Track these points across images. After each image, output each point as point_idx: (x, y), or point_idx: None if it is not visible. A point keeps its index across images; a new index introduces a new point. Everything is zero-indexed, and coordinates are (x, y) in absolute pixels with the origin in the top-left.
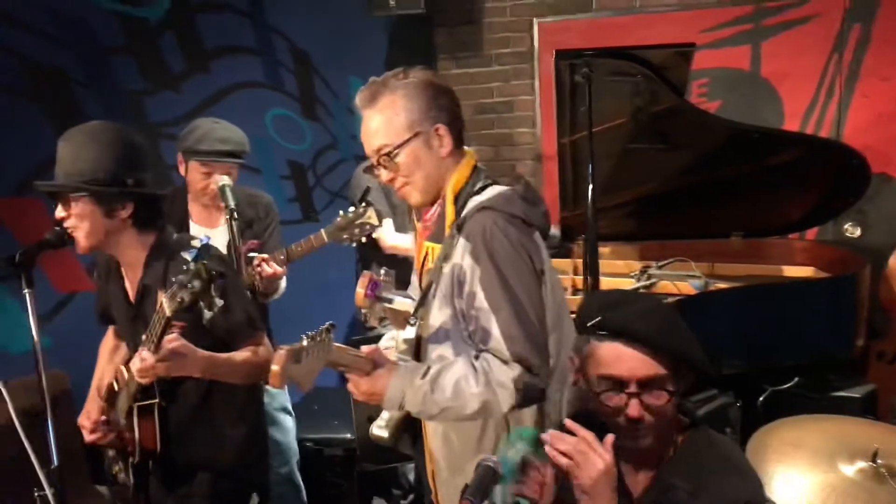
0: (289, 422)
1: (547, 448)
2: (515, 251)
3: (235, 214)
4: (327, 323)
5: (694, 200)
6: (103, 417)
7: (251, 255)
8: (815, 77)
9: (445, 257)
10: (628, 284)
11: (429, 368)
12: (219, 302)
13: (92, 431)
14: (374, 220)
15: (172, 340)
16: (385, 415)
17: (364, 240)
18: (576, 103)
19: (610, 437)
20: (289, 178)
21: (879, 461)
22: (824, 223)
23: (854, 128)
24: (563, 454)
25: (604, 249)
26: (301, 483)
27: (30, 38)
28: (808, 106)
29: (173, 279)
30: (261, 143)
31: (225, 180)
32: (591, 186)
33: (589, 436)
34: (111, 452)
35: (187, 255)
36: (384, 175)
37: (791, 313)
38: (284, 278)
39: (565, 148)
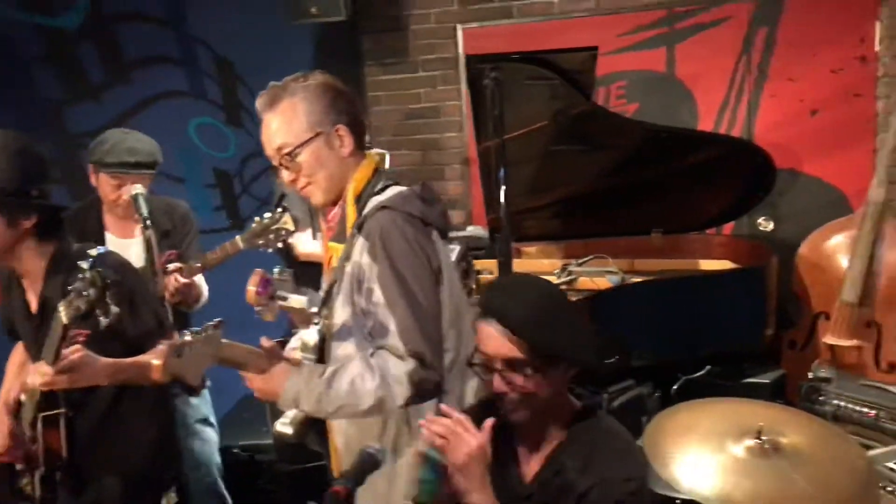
0: (210, 433)
1: (423, 430)
2: (412, 249)
3: (149, 223)
4: (216, 320)
5: (615, 200)
6: (11, 432)
7: (173, 265)
8: (727, 78)
9: (347, 257)
10: None
11: (325, 368)
12: (115, 309)
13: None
14: (290, 226)
15: (73, 352)
16: (290, 412)
17: (280, 245)
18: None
19: (489, 421)
20: (214, 187)
21: (764, 438)
22: (739, 218)
23: (764, 126)
24: (438, 435)
25: (530, 249)
26: (225, 493)
27: None
28: (721, 106)
29: (69, 288)
30: (185, 152)
31: (138, 189)
32: (503, 189)
33: (463, 418)
34: (19, 466)
35: (84, 264)
36: (286, 176)
37: (702, 304)
38: (206, 287)
39: (489, 151)
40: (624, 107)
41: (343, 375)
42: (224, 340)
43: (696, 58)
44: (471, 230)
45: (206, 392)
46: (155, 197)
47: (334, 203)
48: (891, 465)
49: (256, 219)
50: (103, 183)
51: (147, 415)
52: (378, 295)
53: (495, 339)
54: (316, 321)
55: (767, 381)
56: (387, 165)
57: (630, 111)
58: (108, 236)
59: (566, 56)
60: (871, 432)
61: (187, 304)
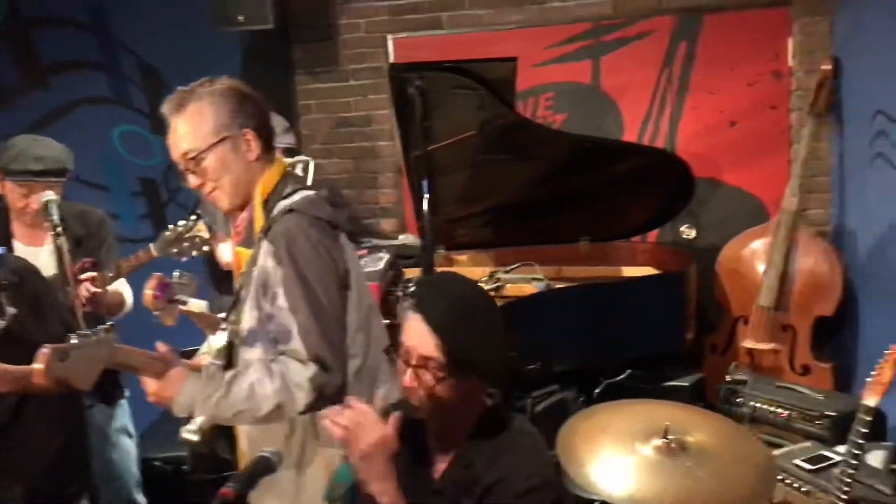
0: (128, 443)
1: (325, 423)
2: (317, 253)
3: (60, 231)
4: (108, 323)
5: (544, 209)
6: None
7: (87, 274)
8: (649, 91)
9: (254, 261)
10: None
11: (224, 374)
12: (11, 310)
13: None
14: (204, 233)
15: None
16: (199, 418)
17: (195, 254)
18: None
19: (395, 414)
20: (140, 195)
21: (670, 437)
22: (662, 226)
23: (685, 138)
24: (341, 426)
25: (462, 257)
26: None
27: None
28: (644, 117)
29: None
30: (108, 160)
31: (49, 196)
32: (426, 197)
33: (367, 409)
34: None
35: None
36: (192, 180)
37: (622, 310)
38: (130, 294)
39: (420, 160)
40: (552, 117)
41: (242, 380)
42: (118, 345)
43: (621, 70)
44: (402, 238)
45: (124, 402)
46: (68, 203)
47: (242, 208)
48: (797, 462)
49: (170, 227)
50: (9, 190)
51: (54, 424)
52: (282, 299)
53: (416, 334)
54: (224, 326)
55: (686, 384)
56: (311, 173)
57: (558, 122)
58: (16, 244)
59: (487, 66)
60: (784, 432)
61: (109, 313)
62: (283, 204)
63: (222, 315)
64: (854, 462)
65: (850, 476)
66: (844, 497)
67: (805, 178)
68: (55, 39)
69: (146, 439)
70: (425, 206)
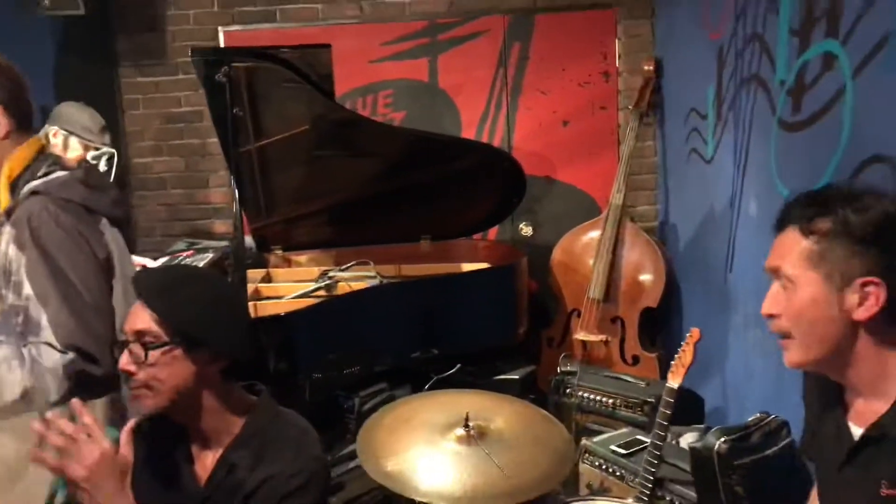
0: None
1: (33, 450)
2: (69, 237)
3: None
4: None
5: (384, 207)
6: None
7: None
8: (486, 90)
9: None
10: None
11: None
12: None
13: None
14: None
15: None
16: None
17: None
18: (255, 108)
19: (129, 424)
20: None
21: (471, 424)
22: (500, 223)
23: (521, 136)
24: (55, 446)
25: (301, 258)
26: None
27: None
28: (482, 116)
29: None
30: None
31: None
32: (236, 195)
33: (90, 421)
34: None
35: None
36: None
37: (449, 305)
38: None
39: (251, 156)
40: (392, 115)
41: None
42: None
43: (457, 69)
44: None
45: None
46: None
47: None
48: (613, 447)
49: None
50: None
51: None
52: (27, 288)
53: (132, 314)
54: None
55: (517, 377)
56: (114, 164)
57: (398, 119)
58: None
59: (302, 53)
60: (609, 420)
61: None
62: (30, 186)
63: None
64: (658, 443)
65: (654, 457)
66: (650, 477)
67: (632, 175)
68: None
69: None
70: (234, 205)
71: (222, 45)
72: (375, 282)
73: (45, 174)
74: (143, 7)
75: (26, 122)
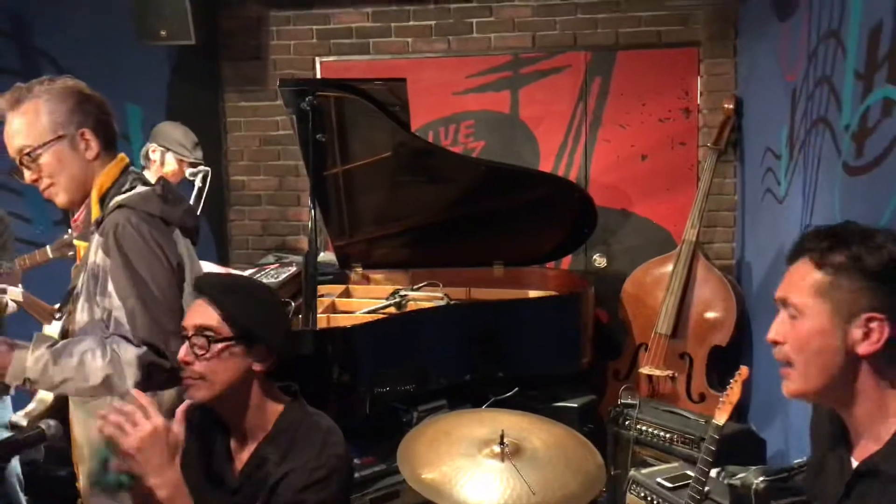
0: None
1: (98, 422)
2: (146, 245)
3: None
4: None
5: (460, 232)
6: None
7: None
8: (565, 122)
9: (88, 254)
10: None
11: (56, 342)
12: None
13: None
14: None
15: None
16: (31, 405)
17: None
18: (342, 134)
19: (182, 407)
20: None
21: (506, 442)
22: (572, 253)
23: (598, 169)
24: (113, 424)
25: (377, 275)
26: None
27: None
28: (560, 148)
29: None
30: None
31: None
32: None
33: (147, 403)
34: None
35: None
36: (28, 176)
37: (513, 329)
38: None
39: (337, 178)
40: (472, 144)
41: (73, 349)
42: None
43: (538, 101)
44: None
45: (7, 399)
46: None
47: (80, 203)
48: (659, 480)
49: (69, 231)
50: None
51: None
52: (111, 290)
53: (194, 310)
54: (58, 316)
55: (576, 405)
56: (207, 181)
57: (478, 148)
58: None
59: (379, 86)
60: (665, 455)
61: None
62: (116, 199)
63: (57, 305)
64: (701, 479)
65: (697, 493)
66: None
67: (710, 211)
68: None
69: None
70: (311, 222)
71: (318, 74)
72: (442, 303)
73: (129, 189)
74: (247, 38)
75: (112, 145)
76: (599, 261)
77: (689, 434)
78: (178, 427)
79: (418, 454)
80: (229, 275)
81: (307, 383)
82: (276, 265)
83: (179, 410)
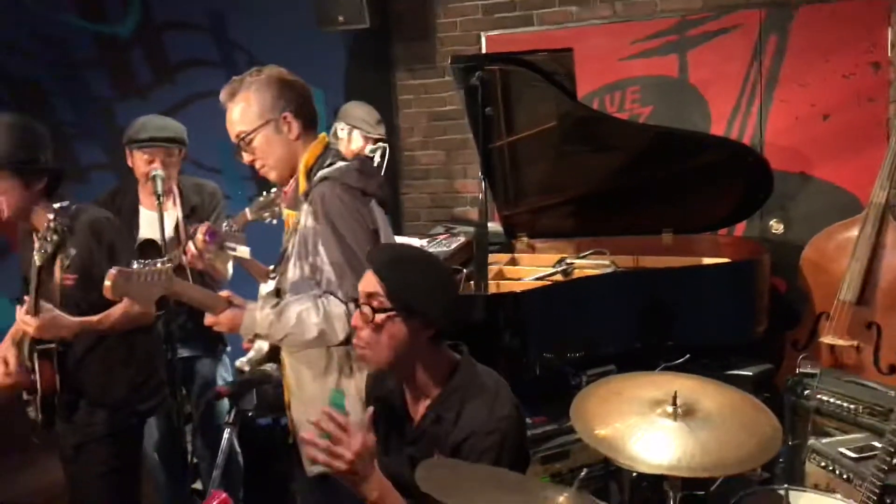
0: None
1: (307, 450)
2: (349, 212)
3: (161, 200)
4: (166, 257)
5: (627, 200)
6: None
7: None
8: (738, 83)
9: (298, 221)
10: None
11: (279, 302)
12: (72, 251)
13: (6, 375)
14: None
15: (47, 311)
16: (251, 353)
17: (275, 222)
18: (508, 107)
19: (369, 411)
20: (249, 179)
21: (679, 402)
22: (745, 219)
23: (774, 131)
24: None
25: (543, 245)
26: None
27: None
28: (733, 110)
29: (38, 236)
30: (223, 146)
31: (157, 172)
32: (482, 186)
33: (343, 420)
34: (25, 394)
35: (49, 216)
36: (246, 157)
37: (684, 296)
38: (230, 263)
39: (503, 150)
40: (638, 110)
41: (292, 308)
42: (177, 279)
43: (708, 64)
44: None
45: (225, 356)
46: (186, 177)
47: (290, 178)
48: (842, 450)
49: (264, 193)
50: (137, 160)
51: (128, 352)
52: (321, 251)
53: (365, 280)
54: (273, 276)
55: (750, 373)
56: (385, 157)
57: (644, 114)
58: (142, 210)
59: (545, 56)
60: (849, 426)
61: (211, 278)
62: (321, 173)
63: (271, 266)
64: (890, 450)
65: (885, 463)
66: (878, 483)
67: None
68: (180, 41)
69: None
70: (481, 194)
71: (484, 48)
72: (608, 270)
73: (330, 164)
74: (416, 18)
75: (312, 125)
76: (776, 227)
77: (878, 406)
78: (369, 434)
79: (591, 411)
80: (401, 246)
81: (478, 345)
82: (447, 235)
83: (370, 412)
